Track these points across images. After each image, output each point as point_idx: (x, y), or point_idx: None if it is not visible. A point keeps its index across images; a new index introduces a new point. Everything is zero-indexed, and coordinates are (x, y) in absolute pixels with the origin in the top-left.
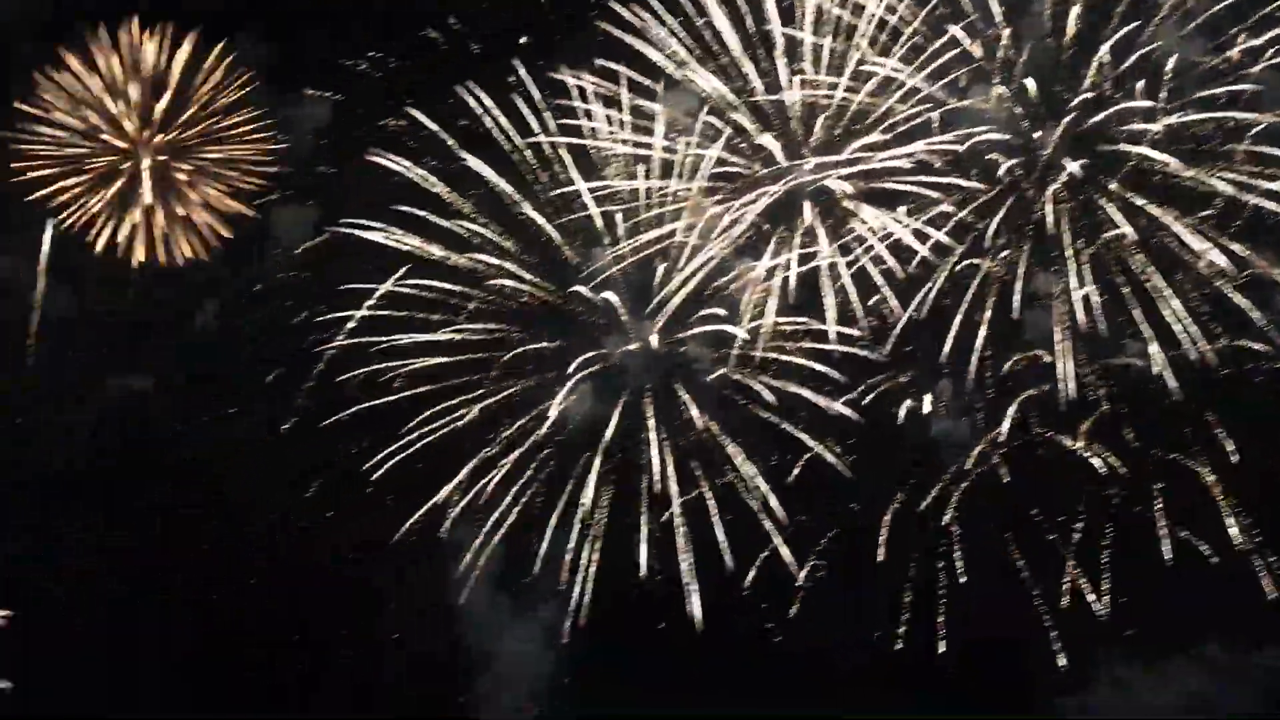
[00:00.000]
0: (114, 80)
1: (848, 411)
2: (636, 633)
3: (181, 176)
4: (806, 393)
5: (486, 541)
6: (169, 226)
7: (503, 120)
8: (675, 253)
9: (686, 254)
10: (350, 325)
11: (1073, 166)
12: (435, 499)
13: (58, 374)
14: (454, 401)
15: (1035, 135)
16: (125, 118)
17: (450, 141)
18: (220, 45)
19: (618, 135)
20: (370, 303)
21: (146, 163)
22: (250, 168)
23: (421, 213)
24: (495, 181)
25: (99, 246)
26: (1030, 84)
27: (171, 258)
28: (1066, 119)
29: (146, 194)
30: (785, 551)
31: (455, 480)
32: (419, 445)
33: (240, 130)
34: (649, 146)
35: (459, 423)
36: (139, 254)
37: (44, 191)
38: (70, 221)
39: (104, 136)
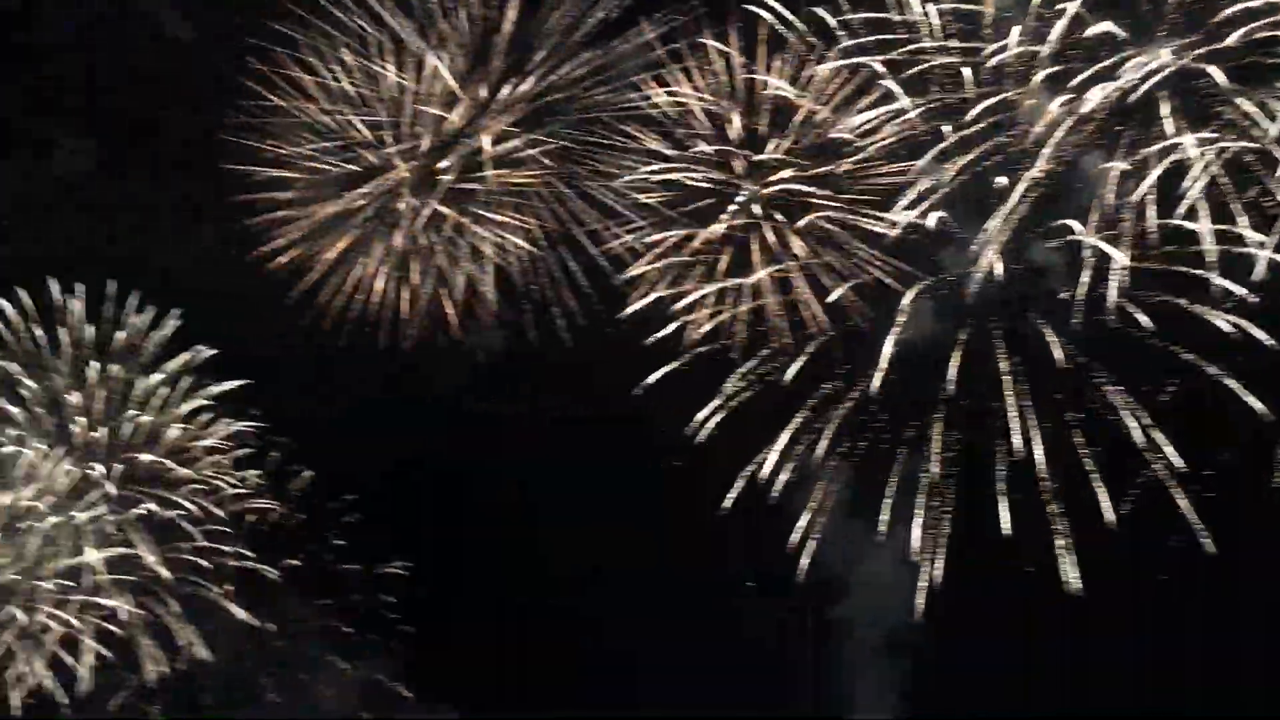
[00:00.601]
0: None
1: (1235, 322)
2: (998, 585)
3: None
4: (1183, 304)
5: (825, 498)
6: None
7: (811, 39)
8: (1013, 164)
9: (1026, 163)
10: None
11: None
12: (767, 453)
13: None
14: (784, 343)
15: None
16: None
17: (759, 72)
18: None
19: (937, 42)
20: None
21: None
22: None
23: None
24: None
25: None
26: None
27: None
28: None
29: None
30: (1168, 482)
31: (788, 430)
32: (747, 396)
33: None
34: (974, 52)
35: (790, 366)
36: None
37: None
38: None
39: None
